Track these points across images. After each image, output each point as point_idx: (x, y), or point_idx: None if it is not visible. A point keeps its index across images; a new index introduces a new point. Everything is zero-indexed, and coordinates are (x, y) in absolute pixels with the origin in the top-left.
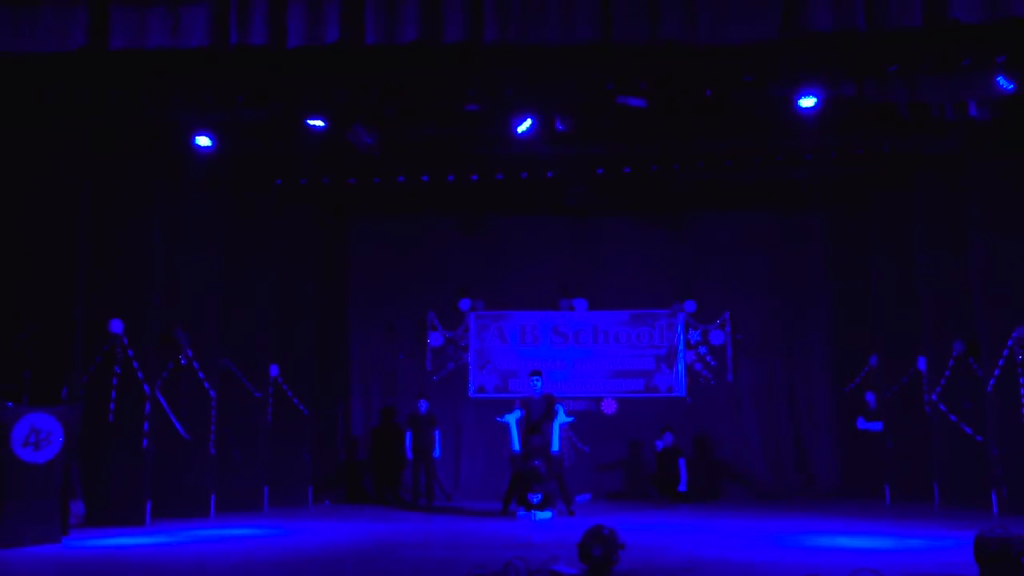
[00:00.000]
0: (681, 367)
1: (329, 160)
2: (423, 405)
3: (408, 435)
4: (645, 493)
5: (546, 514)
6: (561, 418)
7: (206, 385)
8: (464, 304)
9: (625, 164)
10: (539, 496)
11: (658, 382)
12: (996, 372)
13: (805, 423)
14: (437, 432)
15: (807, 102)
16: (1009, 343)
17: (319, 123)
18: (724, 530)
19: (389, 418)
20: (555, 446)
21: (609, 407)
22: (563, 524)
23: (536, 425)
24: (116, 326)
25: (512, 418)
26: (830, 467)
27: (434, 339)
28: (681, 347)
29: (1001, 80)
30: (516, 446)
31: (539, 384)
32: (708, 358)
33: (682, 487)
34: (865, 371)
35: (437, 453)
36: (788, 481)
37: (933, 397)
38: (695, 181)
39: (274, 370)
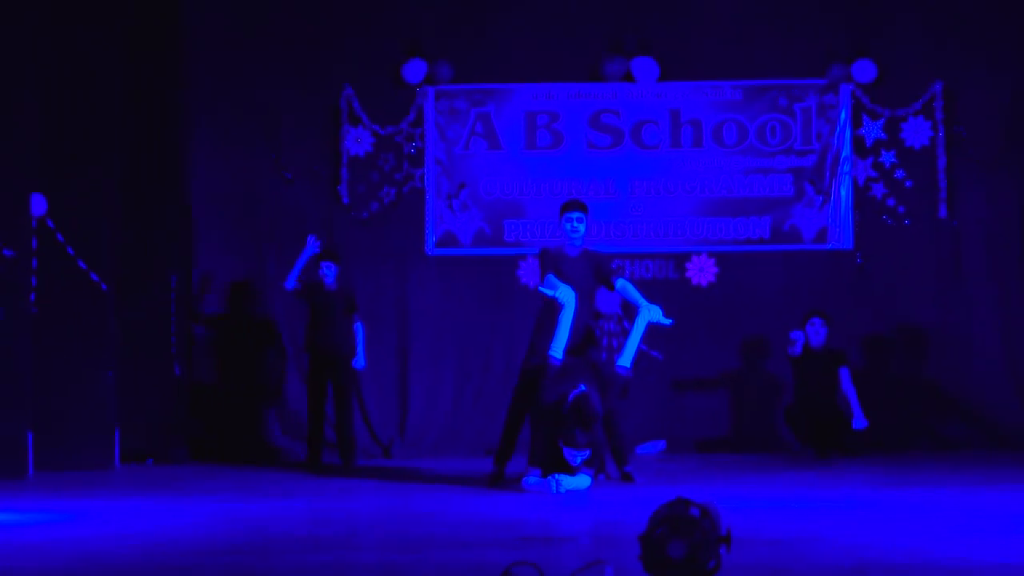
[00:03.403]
0: (846, 192)
1: None
2: (329, 271)
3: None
4: (772, 439)
5: (581, 480)
6: (653, 314)
7: None
8: (413, 72)
9: None
10: (585, 453)
11: (799, 222)
12: None
13: None
14: (359, 325)
15: None
16: None
17: None
18: (925, 507)
19: (261, 301)
20: (626, 359)
21: (702, 272)
22: (612, 497)
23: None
24: None
25: (569, 294)
26: None
27: (354, 141)
28: (846, 153)
29: None
30: (560, 350)
31: (582, 229)
32: (899, 174)
33: (858, 423)
34: None
35: (360, 363)
36: None
37: None
38: None
39: (39, 206)
